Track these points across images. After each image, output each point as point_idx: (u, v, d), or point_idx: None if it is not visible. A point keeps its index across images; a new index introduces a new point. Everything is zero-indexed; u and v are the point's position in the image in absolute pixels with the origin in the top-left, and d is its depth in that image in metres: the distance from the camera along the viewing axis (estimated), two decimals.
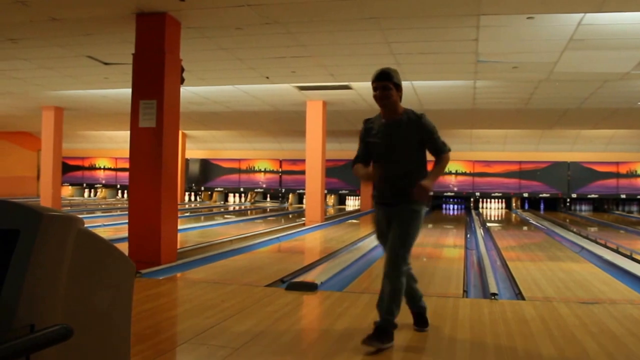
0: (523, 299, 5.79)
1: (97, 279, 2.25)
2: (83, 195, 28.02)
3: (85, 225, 2.15)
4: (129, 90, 7.57)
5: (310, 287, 5.92)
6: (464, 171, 24.81)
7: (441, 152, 4.11)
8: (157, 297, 5.60)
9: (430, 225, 15.55)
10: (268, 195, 26.66)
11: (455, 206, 24.97)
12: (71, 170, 26.97)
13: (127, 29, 7.67)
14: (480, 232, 13.34)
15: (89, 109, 16.82)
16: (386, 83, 3.99)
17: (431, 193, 4.05)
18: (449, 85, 12.16)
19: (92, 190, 28.09)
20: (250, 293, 5.73)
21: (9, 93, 14.40)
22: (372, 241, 10.57)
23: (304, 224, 14.40)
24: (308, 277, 6.62)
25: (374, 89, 4.06)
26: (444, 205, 25.02)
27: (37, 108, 16.73)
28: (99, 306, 2.26)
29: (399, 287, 4.03)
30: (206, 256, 8.11)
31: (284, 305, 5.30)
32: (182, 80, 7.70)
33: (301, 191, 24.61)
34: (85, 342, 2.14)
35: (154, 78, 7.27)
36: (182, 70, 7.72)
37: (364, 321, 4.64)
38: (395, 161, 4.11)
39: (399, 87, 4.08)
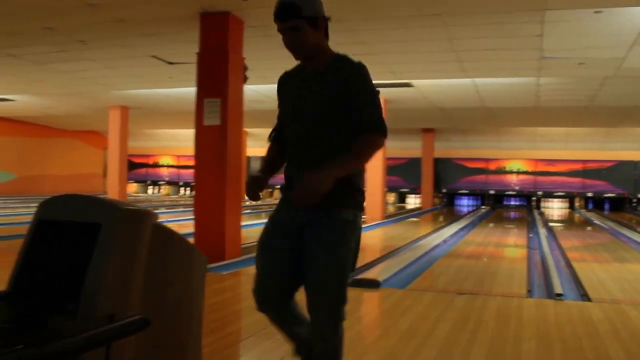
0: (589, 300, 5.66)
1: (171, 271, 2.32)
2: (147, 192, 28.74)
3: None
4: (193, 89, 7.73)
5: (373, 284, 5.93)
6: (525, 170, 24.34)
7: (368, 129, 2.45)
8: (222, 291, 5.71)
9: (491, 225, 15.32)
10: None
11: (517, 205, 24.50)
12: (136, 168, 27.69)
13: (191, 28, 7.83)
14: (542, 231, 13.07)
15: (153, 108, 17.24)
16: (293, 22, 2.52)
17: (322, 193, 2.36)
18: (512, 82, 11.92)
19: (156, 187, 28.80)
20: None
21: (78, 93, 14.90)
22: (434, 239, 10.57)
23: (364, 221, 14.37)
24: (370, 274, 6.63)
25: (279, 32, 2.63)
26: (504, 204, 24.61)
27: (104, 107, 17.25)
28: (173, 298, 2.33)
29: (335, 344, 2.68)
30: None
31: (348, 302, 5.32)
32: (245, 79, 7.82)
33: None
34: (160, 333, 2.21)
35: (218, 77, 7.40)
36: (245, 68, 7.84)
37: (427, 319, 4.63)
38: (310, 137, 2.57)
39: (316, 22, 2.59)
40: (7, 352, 1.74)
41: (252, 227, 12.28)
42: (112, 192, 17.26)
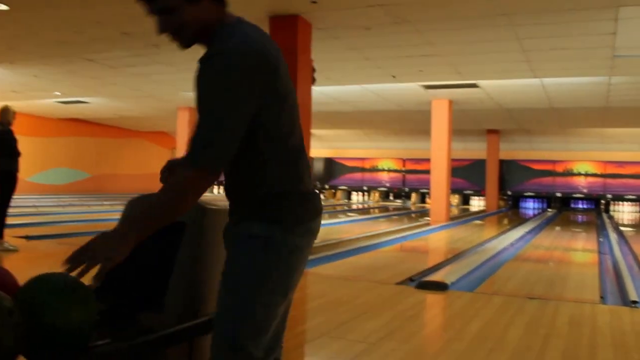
0: None
1: None
2: (213, 192, 29.23)
3: None
4: None
5: (441, 287, 5.91)
6: (594, 172, 23.65)
7: (185, 160, 1.68)
8: None
9: (558, 228, 14.97)
10: (391, 195, 26.67)
11: (585, 208, 23.83)
12: None
13: None
14: (613, 236, 12.67)
15: None
16: (159, 2, 1.72)
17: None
18: (581, 82, 11.63)
19: (222, 187, 29.28)
20: (381, 290, 5.81)
21: (149, 95, 15.35)
22: (500, 242, 10.40)
23: (428, 224, 14.30)
24: (437, 276, 6.60)
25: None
26: (572, 207, 23.98)
27: (173, 109, 17.71)
28: None
29: None
30: (334, 253, 8.29)
31: (416, 304, 5.33)
32: (313, 81, 7.91)
33: (424, 190, 24.42)
34: None
35: None
36: (314, 70, 7.93)
37: (498, 324, 4.60)
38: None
39: None
40: (97, 346, 1.83)
41: None
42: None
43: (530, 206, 24.68)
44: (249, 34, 1.72)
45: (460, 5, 7.13)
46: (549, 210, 23.20)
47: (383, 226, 13.82)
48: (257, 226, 1.79)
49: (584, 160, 23.85)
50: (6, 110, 7.55)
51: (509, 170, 24.38)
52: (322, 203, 1.97)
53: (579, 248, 10.93)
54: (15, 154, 7.46)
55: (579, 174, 23.81)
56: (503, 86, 12.39)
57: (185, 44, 1.79)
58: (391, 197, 26.61)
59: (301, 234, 1.83)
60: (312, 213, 1.88)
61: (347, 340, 4.03)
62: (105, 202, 17.96)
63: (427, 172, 15.78)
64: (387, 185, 26.49)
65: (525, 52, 9.21)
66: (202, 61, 1.69)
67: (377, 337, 4.08)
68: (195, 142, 1.64)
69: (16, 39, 9.25)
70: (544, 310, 5.10)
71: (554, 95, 13.11)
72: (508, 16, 7.49)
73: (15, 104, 14.86)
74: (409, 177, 25.90)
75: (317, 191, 1.98)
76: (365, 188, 26.78)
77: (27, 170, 21.57)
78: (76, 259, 1.65)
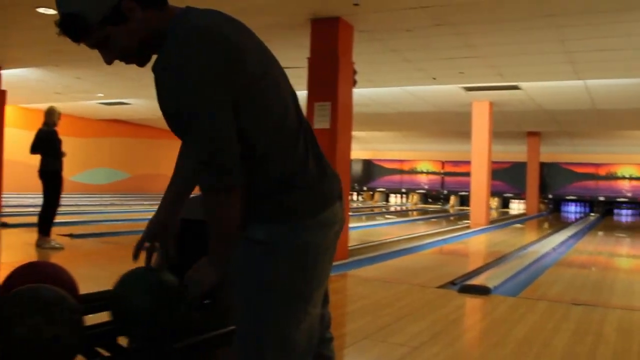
0: None
1: None
2: None
3: None
4: (303, 93, 7.88)
5: (483, 291, 5.84)
6: (638, 176, 23.13)
7: (202, 186, 1.62)
8: (331, 293, 5.78)
9: (600, 233, 14.68)
10: (429, 197, 26.51)
11: (629, 213, 23.32)
12: None
13: (301, 34, 7.98)
14: None
15: None
16: (88, 39, 1.58)
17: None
18: (627, 83, 11.37)
19: None
20: (422, 293, 5.77)
21: None
22: (542, 247, 10.25)
23: (468, 227, 14.16)
24: (479, 280, 6.52)
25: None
26: (615, 212, 23.48)
27: None
28: None
29: None
30: (375, 255, 8.26)
31: (458, 308, 5.28)
32: (354, 83, 7.88)
33: (463, 193, 24.20)
34: None
35: (328, 81, 7.50)
36: (355, 72, 7.91)
37: (543, 329, 4.51)
38: None
39: (114, 16, 1.54)
40: (146, 347, 1.85)
41: (353, 230, 12.39)
42: None
43: (571, 210, 24.26)
44: (195, 24, 1.52)
45: (504, 7, 7.04)
46: (592, 214, 22.77)
47: (422, 229, 13.74)
48: (259, 229, 1.64)
49: (628, 164, 23.35)
50: (51, 111, 7.72)
51: (550, 173, 24.00)
52: (339, 186, 1.78)
53: (624, 254, 10.70)
54: (60, 154, 7.63)
55: (623, 178, 23.31)
56: (545, 88, 12.19)
57: (140, 62, 1.65)
58: (430, 200, 26.43)
59: (312, 228, 1.64)
60: (322, 202, 1.67)
61: (389, 343, 4.00)
62: (145, 202, 18.22)
63: (466, 174, 15.65)
64: (426, 187, 26.33)
65: (569, 53, 9.05)
66: (155, 70, 1.52)
67: (420, 341, 4.04)
68: (200, 163, 1.53)
69: (62, 42, 9.36)
70: (590, 317, 5.00)
71: (597, 97, 12.86)
72: (552, 17, 7.37)
73: (58, 105, 15.15)
74: (448, 179, 25.70)
75: (329, 172, 1.75)
76: (403, 190, 26.66)
77: (70, 170, 22.00)
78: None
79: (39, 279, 1.77)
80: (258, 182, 1.62)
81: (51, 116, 7.70)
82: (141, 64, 1.65)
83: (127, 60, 1.64)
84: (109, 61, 1.63)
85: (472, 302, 5.53)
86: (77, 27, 1.54)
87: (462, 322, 4.96)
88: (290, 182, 1.63)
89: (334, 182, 1.75)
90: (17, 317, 1.49)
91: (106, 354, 1.82)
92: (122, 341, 1.94)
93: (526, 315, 4.98)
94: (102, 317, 2.04)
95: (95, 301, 2.07)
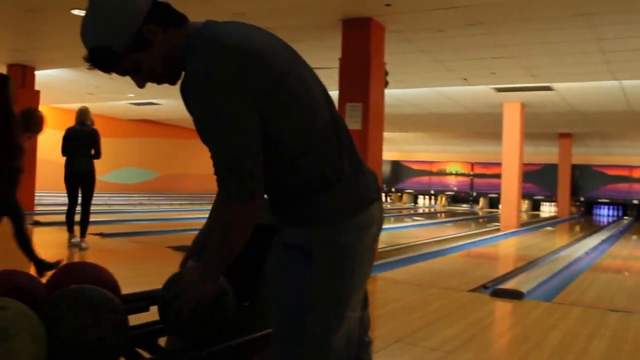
0: None
1: None
2: None
3: None
4: (334, 93, 7.86)
5: (516, 295, 5.76)
6: None
7: (222, 196, 1.64)
8: None
9: (634, 237, 14.42)
10: (457, 199, 26.32)
11: None
12: None
13: (333, 34, 7.96)
14: None
15: None
16: (119, 70, 1.62)
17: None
18: None
19: None
20: (453, 297, 5.70)
21: None
22: (575, 251, 10.09)
23: (498, 229, 14.01)
24: (511, 284, 6.43)
25: None
26: None
27: None
28: None
29: None
30: (403, 258, 8.20)
31: (491, 312, 5.21)
32: (386, 84, 7.84)
33: (493, 195, 23.96)
34: None
35: (360, 82, 7.48)
36: (386, 73, 7.87)
37: (579, 336, 4.44)
38: None
39: (137, 43, 1.56)
40: (185, 349, 1.84)
41: (383, 231, 12.31)
42: None
43: (604, 213, 23.88)
44: (207, 36, 1.54)
45: (539, 6, 6.95)
46: (625, 218, 22.39)
47: (451, 231, 13.62)
48: (295, 233, 1.62)
49: None
50: (84, 110, 7.74)
51: (582, 176, 23.66)
52: (376, 185, 1.73)
53: None
54: (97, 154, 7.63)
55: None
56: (579, 89, 12.00)
57: (170, 81, 1.67)
58: (458, 202, 26.23)
59: (348, 231, 1.59)
60: (359, 203, 1.63)
61: (421, 347, 3.96)
62: (174, 202, 18.37)
63: (496, 176, 15.48)
64: (455, 189, 26.13)
65: (605, 53, 8.90)
66: (182, 89, 1.55)
67: (453, 346, 3.99)
68: (221, 175, 1.53)
69: None
70: (628, 324, 4.90)
71: (634, 98, 12.63)
72: (587, 16, 7.25)
73: (90, 105, 15.26)
74: (477, 181, 25.46)
75: (366, 171, 1.71)
76: (432, 192, 26.49)
77: (99, 169, 22.23)
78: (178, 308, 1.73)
79: (83, 279, 1.77)
80: (292, 184, 1.60)
81: (85, 115, 7.74)
82: (172, 82, 1.67)
83: (158, 81, 1.67)
84: (140, 85, 1.66)
85: (505, 307, 5.46)
86: (105, 59, 1.57)
87: (496, 326, 4.90)
88: (325, 183, 1.59)
89: (370, 182, 1.71)
90: (63, 318, 1.49)
91: (147, 355, 1.82)
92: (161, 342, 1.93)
93: (561, 321, 4.90)
94: (143, 317, 2.05)
95: (137, 301, 2.07)
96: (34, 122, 5.84)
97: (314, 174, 1.59)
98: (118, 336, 1.56)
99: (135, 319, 1.97)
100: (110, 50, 1.54)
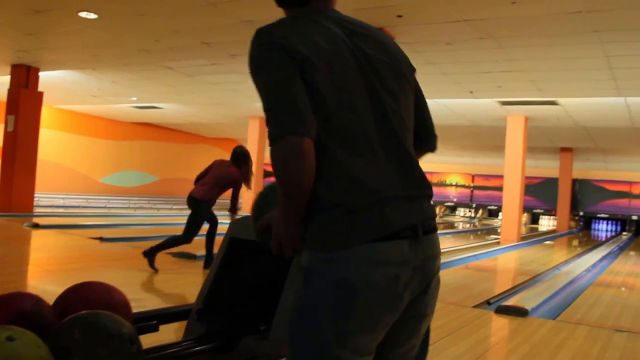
0: None
1: None
2: None
3: None
4: None
5: (521, 312, 5.69)
6: None
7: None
8: None
9: (632, 253, 14.36)
10: (457, 209, 26.26)
11: None
12: (268, 176, 28.48)
13: None
14: None
15: None
16: None
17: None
18: None
19: None
20: (459, 313, 5.63)
21: (222, 103, 15.56)
22: (577, 266, 10.02)
23: (497, 242, 13.95)
24: (515, 300, 6.36)
25: None
26: None
27: (244, 117, 17.90)
28: None
29: None
30: None
31: (497, 330, 5.15)
32: None
33: (492, 207, 23.91)
34: None
35: None
36: None
37: (588, 356, 4.37)
38: None
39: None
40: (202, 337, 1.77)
41: None
42: (246, 199, 17.84)
43: (603, 228, 23.83)
44: (284, 20, 1.58)
45: (551, 21, 6.92)
46: (624, 233, 22.34)
47: (449, 243, 13.54)
48: (304, 254, 1.50)
49: None
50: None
51: (582, 190, 23.62)
52: (419, 219, 1.54)
53: None
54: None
55: None
56: (584, 104, 11.98)
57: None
58: (457, 213, 26.18)
59: (349, 262, 1.42)
60: (371, 231, 1.43)
61: (465, 345, 3.89)
62: (174, 207, 18.28)
63: (496, 188, 15.41)
64: (454, 200, 26.08)
65: (612, 69, 8.88)
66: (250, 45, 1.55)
67: None
68: (268, 118, 1.45)
69: (101, 46, 9.50)
70: (635, 345, 4.83)
71: (637, 115, 12.60)
72: (598, 33, 7.23)
73: (92, 107, 15.29)
74: (477, 192, 25.42)
75: (412, 199, 1.53)
76: (431, 202, 26.41)
77: (101, 171, 22.25)
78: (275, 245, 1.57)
79: (95, 302, 1.70)
80: (313, 198, 1.46)
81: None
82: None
83: None
84: None
85: (511, 324, 5.38)
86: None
87: (504, 345, 4.82)
88: (335, 200, 1.44)
89: (408, 213, 1.51)
90: (76, 348, 1.42)
91: None
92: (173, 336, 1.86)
93: (568, 341, 4.83)
94: (153, 337, 1.98)
95: (147, 320, 2.00)
96: None
97: (327, 189, 1.45)
98: None
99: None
100: None
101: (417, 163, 1.61)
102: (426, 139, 1.81)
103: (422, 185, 1.58)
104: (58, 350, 1.41)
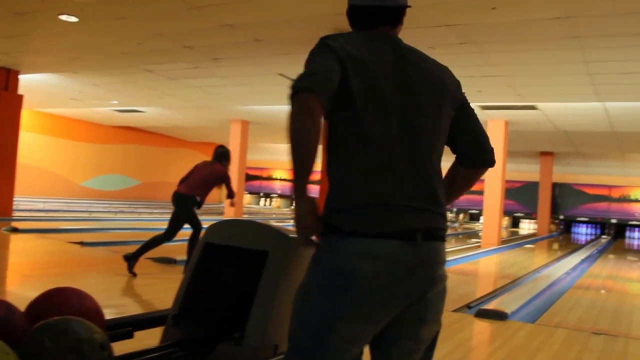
0: None
1: None
2: (259, 204, 29.38)
3: None
4: None
5: (500, 316, 5.73)
6: None
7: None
8: None
9: (611, 256, 14.51)
10: None
11: None
12: (250, 180, 28.44)
13: None
14: None
15: (271, 123, 17.63)
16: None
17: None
18: None
19: (268, 199, 29.40)
20: None
21: (204, 107, 15.51)
22: (556, 270, 10.11)
23: (478, 246, 14.03)
24: (495, 304, 6.41)
25: None
26: (627, 235, 23.24)
27: (226, 121, 17.85)
28: None
29: None
30: None
31: (477, 333, 5.17)
32: None
33: (474, 211, 24.04)
34: None
35: None
36: None
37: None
38: None
39: None
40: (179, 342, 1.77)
41: None
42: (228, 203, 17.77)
43: (582, 232, 24.06)
44: (346, 32, 1.79)
45: (531, 27, 6.97)
46: (603, 237, 22.57)
47: None
48: (317, 247, 1.64)
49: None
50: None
51: (562, 194, 23.84)
52: (420, 224, 1.61)
53: (638, 279, 10.55)
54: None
55: (637, 201, 23.10)
56: (563, 109, 12.09)
57: None
58: None
59: (343, 252, 1.55)
60: (376, 225, 1.55)
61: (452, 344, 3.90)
62: (154, 211, 18.18)
63: (477, 192, 15.48)
64: None
65: (590, 75, 8.97)
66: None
67: None
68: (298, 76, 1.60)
69: (82, 49, 9.43)
70: (612, 347, 4.88)
71: (616, 120, 12.74)
72: (578, 39, 7.30)
73: (73, 111, 15.17)
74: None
75: (420, 208, 1.62)
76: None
77: (80, 175, 22.06)
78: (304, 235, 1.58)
79: (67, 308, 1.68)
80: (327, 200, 1.63)
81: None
82: None
83: None
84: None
85: (490, 328, 5.41)
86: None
87: (484, 348, 4.85)
88: (348, 195, 1.59)
89: (411, 220, 1.60)
90: (47, 355, 1.41)
91: None
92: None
93: (546, 344, 4.87)
94: (126, 344, 1.96)
95: (121, 327, 1.99)
96: None
97: (339, 182, 1.62)
98: None
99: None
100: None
101: (436, 182, 1.73)
102: (480, 154, 1.95)
103: (436, 203, 1.70)
104: (28, 357, 1.39)
